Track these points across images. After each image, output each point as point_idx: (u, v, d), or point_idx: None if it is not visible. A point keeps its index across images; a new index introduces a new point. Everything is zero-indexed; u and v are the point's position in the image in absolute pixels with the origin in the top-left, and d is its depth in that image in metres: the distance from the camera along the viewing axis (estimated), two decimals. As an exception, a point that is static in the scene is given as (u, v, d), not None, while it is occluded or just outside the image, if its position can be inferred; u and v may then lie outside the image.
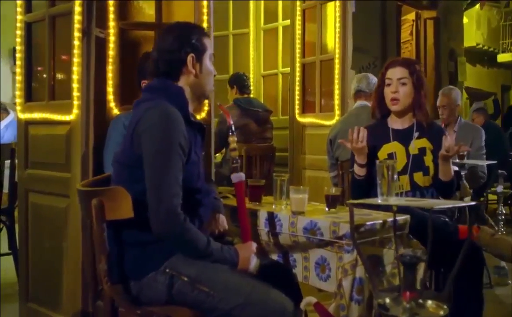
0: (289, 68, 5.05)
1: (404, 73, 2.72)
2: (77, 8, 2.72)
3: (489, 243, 2.42)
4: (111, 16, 2.95)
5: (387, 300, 1.56)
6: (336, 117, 4.43)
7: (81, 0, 2.72)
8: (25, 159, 3.08)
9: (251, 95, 5.57)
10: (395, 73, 2.73)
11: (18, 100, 3.09)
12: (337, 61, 4.42)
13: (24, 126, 3.08)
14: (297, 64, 4.80)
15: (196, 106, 2.19)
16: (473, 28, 12.76)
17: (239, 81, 5.05)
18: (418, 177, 2.69)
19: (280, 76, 5.90)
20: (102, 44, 2.90)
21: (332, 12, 4.54)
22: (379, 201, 2.03)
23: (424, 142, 2.73)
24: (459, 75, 9.72)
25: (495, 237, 2.41)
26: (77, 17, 2.73)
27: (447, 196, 2.79)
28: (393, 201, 2.02)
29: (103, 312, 1.86)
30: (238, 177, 2.18)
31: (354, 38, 6.85)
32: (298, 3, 4.78)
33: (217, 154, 5.15)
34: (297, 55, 4.79)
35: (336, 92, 4.44)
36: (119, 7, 2.97)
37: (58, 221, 2.85)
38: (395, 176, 2.03)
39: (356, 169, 2.72)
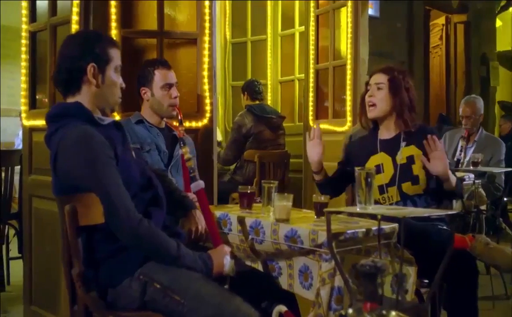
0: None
1: (382, 79, 2.68)
2: (74, 17, 2.77)
3: (484, 252, 2.35)
4: (113, 24, 2.99)
5: (350, 311, 1.53)
6: (348, 124, 4.39)
7: (78, 9, 2.77)
8: (29, 164, 3.16)
9: (268, 102, 5.57)
10: (375, 79, 2.70)
11: (23, 108, 3.17)
12: (349, 66, 4.38)
13: (29, 133, 3.16)
14: (311, 70, 4.78)
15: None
16: (509, 32, 12.40)
17: (250, 88, 5.05)
18: (407, 186, 2.61)
19: (297, 82, 5.88)
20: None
21: (345, 17, 4.50)
22: (357, 209, 2.00)
23: (412, 150, 2.64)
24: (492, 80, 9.50)
25: (489, 247, 2.33)
26: (74, 26, 2.78)
27: (451, 198, 2.76)
28: (372, 209, 1.98)
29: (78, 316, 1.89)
30: (197, 185, 2.18)
31: (378, 43, 6.78)
32: (311, 8, 4.76)
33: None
34: (311, 61, 4.77)
35: (348, 98, 4.39)
36: (122, 15, 3.02)
37: (58, 226, 2.89)
38: (374, 184, 2.00)
39: (315, 176, 2.78)
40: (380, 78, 2.69)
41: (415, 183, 2.61)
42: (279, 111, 5.44)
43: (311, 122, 4.77)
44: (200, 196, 2.18)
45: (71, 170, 1.86)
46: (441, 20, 9.29)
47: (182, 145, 2.32)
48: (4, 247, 3.97)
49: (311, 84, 4.78)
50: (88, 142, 1.85)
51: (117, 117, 2.98)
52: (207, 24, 3.19)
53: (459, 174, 3.92)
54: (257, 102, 4.95)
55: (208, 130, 3.22)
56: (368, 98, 2.71)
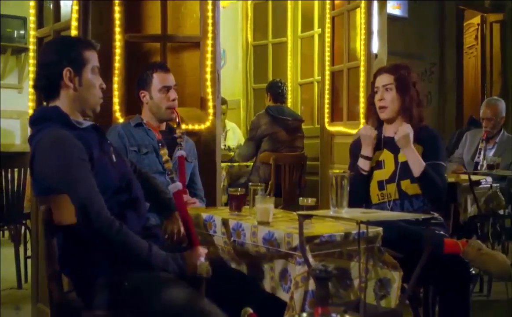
0: (323, 77, 5.01)
1: (389, 80, 2.67)
2: (74, 23, 2.84)
3: (476, 257, 2.29)
4: (117, 29, 3.05)
5: (303, 315, 1.51)
6: (361, 126, 4.33)
7: (77, 15, 2.84)
8: (36, 166, 3.24)
9: (288, 104, 5.55)
10: (381, 80, 2.69)
11: (30, 111, 3.25)
12: (362, 68, 4.33)
13: (35, 135, 3.24)
14: (327, 72, 4.75)
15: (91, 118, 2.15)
16: (549, 31, 11.98)
17: (272, 89, 5.06)
18: (406, 184, 2.61)
19: (316, 84, 5.85)
20: (108, 56, 3.00)
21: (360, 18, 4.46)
22: (331, 212, 1.98)
23: (414, 148, 2.63)
24: (529, 82, 9.21)
25: (481, 252, 2.27)
26: (73, 31, 2.85)
27: (435, 200, 2.63)
28: (345, 213, 1.96)
29: (55, 314, 1.94)
30: (175, 187, 2.19)
31: (407, 43, 6.66)
32: (327, 10, 4.73)
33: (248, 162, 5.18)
34: (327, 63, 4.74)
35: (362, 100, 4.34)
36: (126, 19, 3.07)
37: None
38: (348, 187, 1.98)
39: (362, 162, 2.69)
40: (387, 79, 2.68)
41: (414, 181, 2.60)
42: (299, 114, 5.42)
43: (326, 125, 4.74)
44: (177, 197, 2.19)
45: (44, 171, 1.91)
46: (476, 19, 9.07)
47: (160, 146, 2.35)
48: (21, 246, 4.10)
49: (326, 86, 4.75)
50: (60, 145, 1.90)
51: (120, 120, 3.04)
52: (210, 28, 3.21)
53: (475, 177, 3.84)
54: (278, 104, 4.96)
55: (211, 133, 3.23)
56: (378, 101, 2.70)
